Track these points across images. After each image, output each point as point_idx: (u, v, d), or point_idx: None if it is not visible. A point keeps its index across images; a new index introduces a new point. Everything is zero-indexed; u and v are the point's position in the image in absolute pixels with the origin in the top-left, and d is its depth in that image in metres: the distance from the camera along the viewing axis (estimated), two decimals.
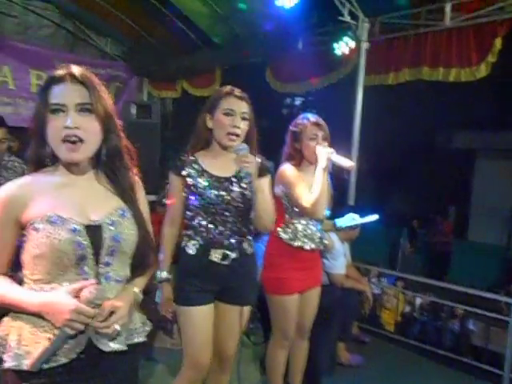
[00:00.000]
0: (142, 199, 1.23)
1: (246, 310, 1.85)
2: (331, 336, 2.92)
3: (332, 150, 2.08)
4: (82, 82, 1.08)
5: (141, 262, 1.19)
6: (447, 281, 5.74)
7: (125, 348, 1.11)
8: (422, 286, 4.38)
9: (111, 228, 1.10)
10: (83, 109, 1.07)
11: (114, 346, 1.10)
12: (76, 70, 1.09)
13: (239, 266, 1.78)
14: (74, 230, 1.05)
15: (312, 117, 2.17)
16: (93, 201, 1.12)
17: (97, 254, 1.08)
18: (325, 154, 2.05)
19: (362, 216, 2.28)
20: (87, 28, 5.21)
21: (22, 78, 4.64)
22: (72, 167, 1.11)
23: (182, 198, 1.78)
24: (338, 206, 2.43)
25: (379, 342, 3.64)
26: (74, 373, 1.06)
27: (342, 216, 2.62)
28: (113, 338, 1.09)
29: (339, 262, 3.16)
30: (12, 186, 1.09)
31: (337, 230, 2.34)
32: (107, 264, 1.11)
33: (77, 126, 1.05)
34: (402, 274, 4.53)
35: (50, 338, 1.02)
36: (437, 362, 3.34)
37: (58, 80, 1.08)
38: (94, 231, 1.08)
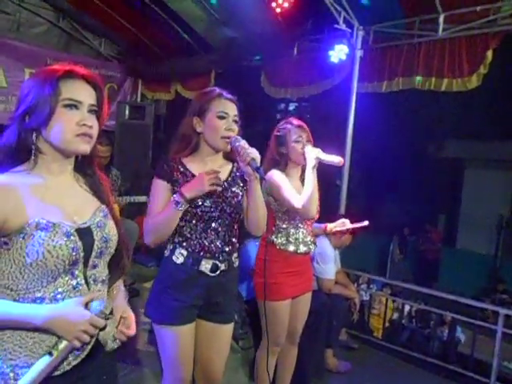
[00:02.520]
0: (113, 201, 1.23)
1: (231, 326, 1.80)
2: (318, 341, 2.93)
3: (319, 149, 2.10)
4: (93, 83, 1.08)
5: (119, 263, 1.18)
6: (436, 288, 5.79)
7: (119, 345, 1.13)
8: (410, 293, 4.41)
9: (99, 229, 1.10)
10: (92, 110, 1.07)
11: (113, 345, 1.12)
12: (86, 70, 1.08)
13: (226, 280, 1.70)
14: (68, 235, 1.02)
15: (294, 120, 2.20)
16: (75, 202, 1.10)
17: (86, 257, 1.07)
18: (313, 153, 2.07)
19: (354, 217, 2.30)
20: (82, 27, 5.17)
21: (16, 76, 4.58)
22: (53, 166, 1.07)
23: (167, 202, 1.63)
24: (330, 214, 2.45)
25: (367, 348, 3.64)
26: (69, 374, 1.05)
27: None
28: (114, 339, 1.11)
29: (329, 267, 3.17)
30: None
31: (326, 233, 2.35)
32: (94, 266, 1.10)
33: (92, 126, 1.06)
34: (391, 280, 4.56)
35: (51, 353, 0.98)
36: (424, 369, 3.36)
37: (74, 76, 1.05)
38: (84, 234, 1.06)
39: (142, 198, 4.46)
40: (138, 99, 5.82)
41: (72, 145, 1.05)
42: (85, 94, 1.06)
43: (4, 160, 1.04)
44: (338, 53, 3.50)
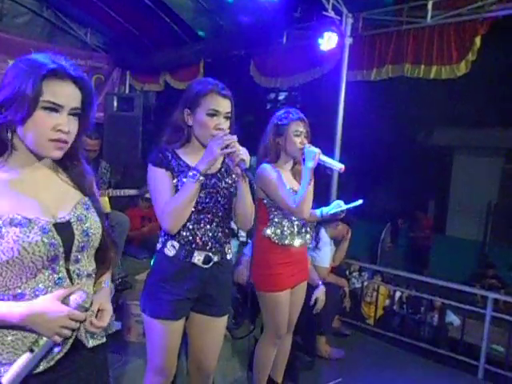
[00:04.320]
0: (97, 193, 1.19)
1: (225, 318, 1.80)
2: (311, 329, 2.96)
3: (319, 149, 2.08)
4: (80, 86, 1.02)
5: (104, 256, 1.16)
6: (427, 274, 5.87)
7: (104, 341, 1.12)
8: (402, 280, 4.46)
9: (80, 223, 1.06)
10: (74, 113, 1.02)
11: (95, 341, 1.09)
12: (76, 71, 1.01)
13: (219, 272, 1.69)
14: (45, 231, 0.98)
15: (296, 113, 2.16)
16: (54, 196, 1.06)
17: (67, 252, 1.03)
18: (313, 154, 2.04)
19: (346, 203, 2.28)
20: (66, 17, 5.07)
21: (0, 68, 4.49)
22: (30, 160, 1.02)
23: (173, 190, 1.59)
24: (321, 204, 2.44)
25: (360, 335, 3.70)
26: (54, 373, 1.03)
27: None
28: (93, 334, 1.08)
29: (324, 254, 3.20)
30: None
31: (323, 218, 2.33)
32: (77, 261, 1.06)
33: (69, 131, 1.01)
34: (383, 268, 4.60)
35: (32, 350, 0.96)
36: (416, 354, 3.42)
37: (61, 76, 0.99)
38: (63, 228, 1.03)
39: (132, 191, 4.43)
40: (127, 90, 5.74)
41: (44, 150, 1.01)
42: (68, 96, 1.00)
43: None
44: (328, 41, 3.48)
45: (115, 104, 5.03)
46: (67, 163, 1.10)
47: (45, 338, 0.97)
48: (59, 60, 1.01)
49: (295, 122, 2.12)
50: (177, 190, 1.60)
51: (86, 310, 1.03)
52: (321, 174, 2.27)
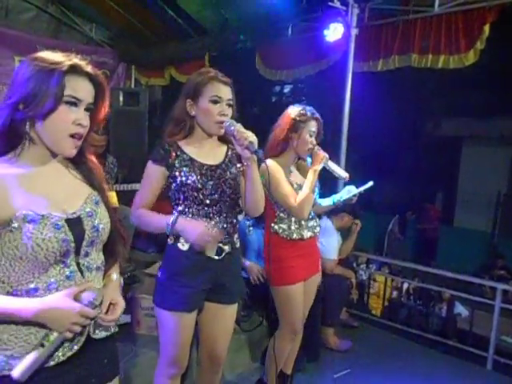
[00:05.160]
0: (106, 187, 1.20)
1: (236, 306, 1.82)
2: (316, 321, 2.96)
3: (327, 155, 2.10)
4: (94, 82, 1.04)
5: (112, 249, 1.18)
6: (434, 266, 5.85)
7: (112, 332, 1.14)
8: (409, 272, 4.46)
9: (90, 218, 1.08)
10: (88, 108, 1.04)
11: (106, 333, 1.12)
12: (91, 68, 1.04)
13: (230, 262, 1.71)
14: (57, 227, 1.00)
15: (312, 112, 2.14)
16: (64, 191, 1.07)
17: (78, 247, 1.05)
18: (322, 157, 2.06)
19: (357, 187, 2.25)
20: (71, 12, 5.06)
21: (5, 64, 4.49)
22: (43, 155, 1.04)
23: (159, 191, 1.65)
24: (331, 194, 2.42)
25: (367, 326, 3.70)
26: (64, 364, 1.05)
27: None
28: (102, 326, 1.11)
29: (331, 246, 3.21)
30: None
31: (336, 205, 2.31)
32: (86, 254, 1.09)
33: (86, 126, 1.04)
34: (389, 259, 4.59)
35: (43, 345, 0.97)
36: (423, 345, 3.42)
37: (79, 71, 1.02)
38: (74, 224, 1.04)
39: (138, 186, 4.43)
40: (132, 85, 5.74)
41: (61, 146, 1.03)
42: (86, 91, 1.03)
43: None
44: (333, 32, 3.45)
45: (121, 99, 5.03)
46: (77, 159, 1.11)
47: (56, 334, 0.99)
48: (72, 57, 1.03)
49: (312, 121, 2.12)
50: (176, 182, 1.61)
51: (97, 306, 1.04)
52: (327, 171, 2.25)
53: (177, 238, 1.66)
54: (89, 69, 1.04)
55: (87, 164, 1.14)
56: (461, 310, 4.33)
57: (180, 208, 1.65)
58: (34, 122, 1.00)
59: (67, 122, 1.01)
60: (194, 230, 1.54)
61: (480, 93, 7.45)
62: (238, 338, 2.83)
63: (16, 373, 0.96)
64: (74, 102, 1.01)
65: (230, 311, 1.80)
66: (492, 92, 7.35)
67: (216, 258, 1.67)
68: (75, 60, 1.02)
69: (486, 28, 2.91)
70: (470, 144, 9.30)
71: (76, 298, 1.01)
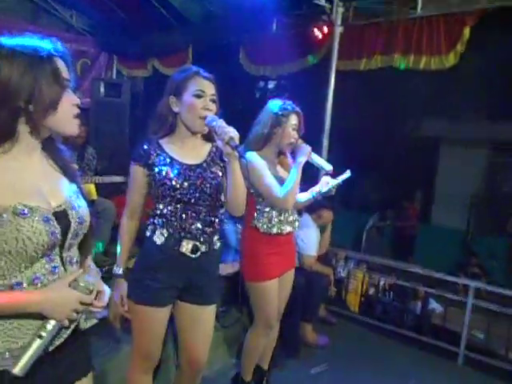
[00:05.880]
0: (78, 174, 1.20)
1: (213, 308, 1.80)
2: (296, 317, 2.99)
3: (310, 148, 2.12)
4: (64, 58, 1.03)
5: (87, 242, 1.17)
6: (412, 263, 5.96)
7: (96, 322, 1.16)
8: (386, 269, 4.54)
9: (74, 211, 1.07)
10: (71, 87, 1.05)
11: (90, 323, 1.14)
12: (59, 46, 1.03)
13: (206, 262, 1.70)
14: (46, 219, 0.99)
15: (293, 106, 2.16)
16: (49, 184, 1.06)
17: (63, 240, 1.05)
18: (306, 151, 2.08)
19: (334, 177, 2.26)
20: None
21: None
22: (28, 148, 1.02)
23: (144, 189, 1.68)
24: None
25: (345, 322, 3.76)
26: (53, 354, 1.05)
27: None
28: (87, 316, 1.13)
29: (311, 243, 3.23)
30: None
31: (315, 198, 2.33)
32: (70, 248, 1.09)
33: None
34: (367, 256, 4.66)
35: (40, 336, 0.97)
36: (399, 341, 3.50)
37: (60, 54, 1.01)
38: (61, 217, 1.04)
39: (118, 178, 4.38)
40: (114, 76, 5.64)
41: (69, 127, 1.05)
42: (66, 71, 1.03)
43: None
44: (318, 29, 3.46)
45: (102, 90, 4.94)
46: (52, 148, 1.10)
47: (52, 323, 0.99)
48: (45, 41, 1.01)
49: (294, 115, 2.14)
50: (163, 182, 1.62)
51: (91, 292, 1.06)
52: (308, 164, 2.26)
53: (154, 230, 1.66)
54: (61, 48, 1.04)
55: (61, 154, 1.13)
56: (435, 305, 4.43)
57: (159, 206, 1.65)
58: (35, 116, 0.97)
59: (71, 105, 1.03)
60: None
61: (460, 95, 7.61)
62: (216, 335, 2.83)
63: (17, 369, 0.95)
64: (67, 85, 1.02)
65: (208, 314, 1.78)
66: (472, 95, 7.51)
67: (191, 255, 1.65)
68: (55, 45, 1.01)
69: (467, 31, 2.97)
70: (449, 145, 9.50)
71: (71, 286, 1.02)
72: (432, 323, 3.95)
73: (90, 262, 1.23)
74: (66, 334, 1.07)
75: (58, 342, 1.05)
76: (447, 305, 3.68)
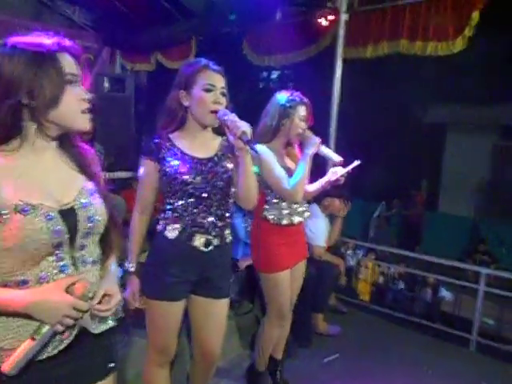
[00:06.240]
0: (101, 174, 1.18)
1: (226, 302, 1.80)
2: (307, 307, 3.00)
3: (319, 139, 2.09)
4: (75, 54, 1.02)
5: (109, 240, 1.15)
6: (419, 251, 5.95)
7: (110, 325, 1.11)
8: (395, 257, 4.53)
9: (84, 209, 1.05)
10: (78, 81, 1.03)
11: (103, 326, 1.10)
12: (68, 41, 1.02)
13: (218, 255, 1.70)
14: (49, 217, 0.97)
15: (300, 96, 2.14)
16: (59, 181, 1.04)
17: (72, 239, 1.03)
18: (314, 142, 2.06)
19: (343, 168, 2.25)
20: None
21: None
22: (37, 146, 1.01)
23: (155, 184, 1.66)
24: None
25: (355, 311, 3.77)
26: (56, 358, 1.03)
27: None
28: (101, 319, 1.08)
29: (320, 233, 3.23)
30: None
31: (324, 188, 2.29)
32: (82, 247, 1.06)
33: (89, 97, 1.03)
34: (377, 245, 4.66)
35: (33, 338, 0.96)
36: (410, 329, 3.50)
37: (66, 49, 1.00)
38: (67, 215, 1.01)
39: (126, 174, 4.39)
40: (117, 70, 5.62)
41: (78, 123, 1.02)
42: (76, 66, 1.02)
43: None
44: (323, 17, 3.42)
45: (106, 85, 4.94)
46: (69, 144, 1.09)
47: (47, 326, 0.97)
48: (51, 37, 1.00)
49: (302, 105, 2.12)
50: (167, 175, 1.62)
51: (90, 299, 1.03)
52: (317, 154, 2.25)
53: (165, 225, 1.65)
54: (68, 43, 1.02)
55: (79, 152, 1.11)
56: (445, 293, 4.43)
57: (171, 201, 1.64)
58: (37, 112, 0.97)
59: (77, 99, 1.01)
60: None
61: (466, 80, 7.51)
62: (229, 325, 2.85)
63: (7, 366, 0.94)
64: (73, 80, 1.00)
65: (221, 306, 1.78)
66: (478, 79, 7.41)
67: (203, 249, 1.66)
68: (59, 40, 1.00)
69: (475, 15, 2.92)
70: (455, 131, 9.41)
71: (68, 291, 0.99)
72: (443, 310, 3.95)
73: (111, 261, 1.20)
74: (68, 339, 1.04)
75: (61, 346, 1.02)
76: (459, 292, 3.67)
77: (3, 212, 0.94)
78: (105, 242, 1.15)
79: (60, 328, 0.98)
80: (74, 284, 1.00)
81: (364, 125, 8.01)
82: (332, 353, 2.98)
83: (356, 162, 2.22)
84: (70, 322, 0.99)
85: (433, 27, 3.09)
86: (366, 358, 2.95)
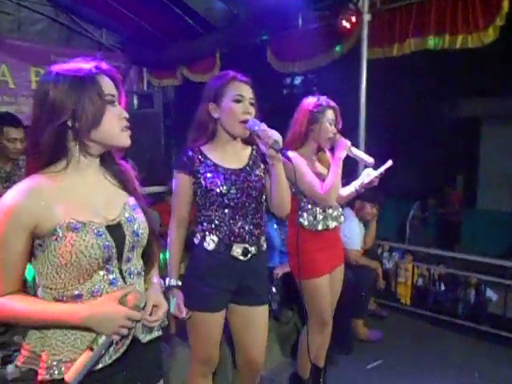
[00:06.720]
0: (139, 189, 1.22)
1: (266, 308, 1.81)
2: (346, 313, 2.95)
3: (350, 142, 2.09)
4: (111, 76, 1.08)
5: (150, 253, 1.20)
6: (458, 250, 5.73)
7: (159, 334, 1.17)
8: (433, 258, 4.39)
9: (129, 224, 1.10)
10: (116, 102, 1.08)
11: (150, 336, 1.15)
12: (106, 65, 1.09)
13: (256, 263, 1.71)
14: (99, 233, 1.03)
15: (327, 101, 2.14)
16: (104, 198, 1.10)
17: (119, 253, 1.08)
18: (345, 145, 2.06)
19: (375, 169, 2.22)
20: (81, 19, 5.12)
21: (22, 76, 4.58)
22: (82, 165, 1.07)
23: (190, 197, 1.69)
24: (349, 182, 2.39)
25: (396, 315, 3.68)
26: (111, 367, 1.07)
27: None
28: (149, 329, 1.13)
29: (354, 237, 3.19)
30: (20, 195, 0.99)
31: (357, 191, 2.29)
32: (128, 260, 1.11)
33: (127, 116, 1.09)
34: (413, 246, 4.52)
35: (92, 348, 1.00)
36: (454, 331, 3.38)
37: (103, 71, 1.06)
38: (114, 230, 1.07)
39: (158, 189, 4.49)
40: (145, 87, 5.78)
41: (121, 140, 1.07)
42: (113, 86, 1.07)
43: (38, 162, 1.03)
44: (345, 19, 3.39)
45: (135, 102, 5.09)
46: (110, 162, 1.14)
47: (103, 337, 1.01)
48: (90, 62, 1.08)
49: (330, 110, 2.12)
50: (202, 188, 1.64)
51: (141, 309, 1.07)
52: (348, 157, 2.23)
53: (203, 237, 1.67)
54: (106, 66, 1.08)
55: (120, 168, 1.17)
56: (491, 294, 4.25)
57: (207, 213, 1.67)
58: (81, 132, 1.03)
59: (117, 119, 1.06)
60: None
61: (497, 71, 7.24)
62: (269, 335, 2.85)
63: (69, 377, 0.99)
64: (112, 100, 1.06)
65: (261, 313, 1.79)
66: (509, 70, 7.13)
67: (242, 258, 1.67)
68: (97, 62, 1.07)
69: (505, 3, 2.81)
70: (489, 124, 9.07)
71: (120, 302, 1.04)
72: (490, 312, 3.78)
73: (154, 273, 1.25)
74: (122, 348, 1.08)
75: (115, 356, 1.07)
76: (506, 292, 3.50)
77: (58, 230, 1.00)
78: (146, 255, 1.19)
79: (116, 338, 1.03)
80: (126, 295, 1.04)
81: (393, 123, 7.86)
82: (374, 359, 2.91)
83: (388, 163, 2.18)
84: (125, 331, 1.04)
85: (461, 20, 3.01)
86: (409, 364, 2.87)
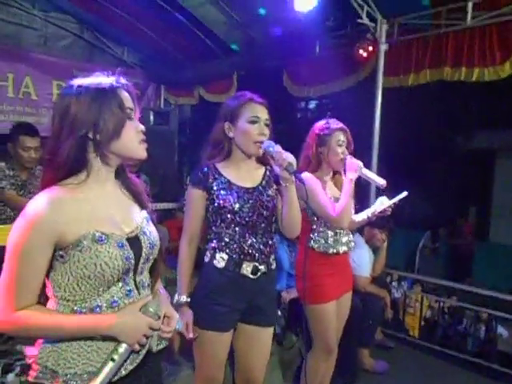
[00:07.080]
0: (149, 203, 1.24)
1: (272, 329, 1.80)
2: (352, 341, 2.89)
3: (361, 163, 2.08)
4: (129, 90, 1.11)
5: (156, 266, 1.21)
6: (470, 283, 5.61)
7: (166, 344, 1.19)
8: (443, 289, 4.30)
9: (146, 236, 1.13)
10: (133, 116, 1.11)
11: (161, 345, 1.17)
12: (122, 81, 1.12)
13: (265, 282, 1.71)
14: (121, 245, 1.05)
15: (337, 123, 2.16)
16: (121, 211, 1.12)
17: (136, 264, 1.10)
18: (355, 166, 2.05)
19: (386, 192, 2.20)
20: (104, 37, 5.29)
21: (44, 88, 4.73)
22: (101, 177, 1.08)
23: (203, 213, 1.70)
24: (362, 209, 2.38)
25: (403, 347, 3.58)
26: (126, 378, 1.08)
27: None
28: (160, 339, 1.16)
29: (364, 264, 3.15)
30: (43, 207, 0.98)
31: (369, 219, 2.28)
32: (142, 272, 1.13)
33: (143, 129, 1.12)
34: (423, 277, 4.44)
35: (113, 359, 1.01)
36: (463, 367, 3.28)
37: (122, 86, 1.09)
38: (133, 242, 1.09)
39: (170, 205, 4.52)
40: (162, 105, 5.90)
41: (138, 152, 1.10)
42: (131, 100, 1.10)
43: (58, 174, 1.05)
44: (362, 48, 3.45)
45: (151, 118, 5.18)
46: (122, 176, 1.16)
47: (124, 346, 1.02)
48: (110, 76, 1.11)
49: (337, 132, 2.13)
50: (214, 204, 1.65)
51: (160, 318, 1.09)
52: (360, 181, 2.23)
53: (213, 254, 1.68)
54: (123, 81, 1.11)
55: (132, 182, 1.19)
56: (501, 330, 4.13)
57: (218, 230, 1.67)
58: (101, 144, 1.05)
59: (133, 133, 1.08)
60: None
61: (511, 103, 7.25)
62: (271, 358, 2.79)
63: None
64: (130, 114, 1.08)
65: (267, 334, 1.78)
66: None
67: (252, 276, 1.66)
68: (116, 77, 1.10)
69: None
70: (503, 156, 9.02)
71: (143, 311, 1.06)
72: (499, 349, 3.67)
73: (159, 285, 1.27)
74: (138, 358, 1.10)
75: (131, 367, 1.07)
76: None
77: (83, 242, 1.01)
78: (153, 268, 1.21)
79: (137, 347, 1.04)
80: (146, 305, 1.07)
81: (407, 152, 7.85)
82: None
83: (403, 194, 2.18)
84: (145, 341, 1.06)
85: (478, 53, 3.04)
86: None
